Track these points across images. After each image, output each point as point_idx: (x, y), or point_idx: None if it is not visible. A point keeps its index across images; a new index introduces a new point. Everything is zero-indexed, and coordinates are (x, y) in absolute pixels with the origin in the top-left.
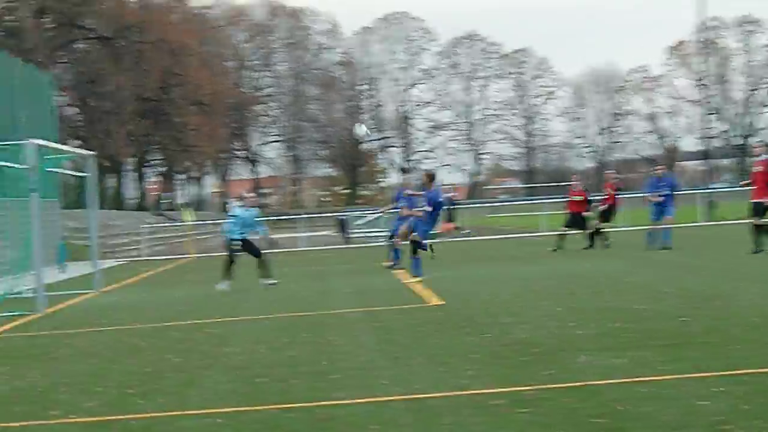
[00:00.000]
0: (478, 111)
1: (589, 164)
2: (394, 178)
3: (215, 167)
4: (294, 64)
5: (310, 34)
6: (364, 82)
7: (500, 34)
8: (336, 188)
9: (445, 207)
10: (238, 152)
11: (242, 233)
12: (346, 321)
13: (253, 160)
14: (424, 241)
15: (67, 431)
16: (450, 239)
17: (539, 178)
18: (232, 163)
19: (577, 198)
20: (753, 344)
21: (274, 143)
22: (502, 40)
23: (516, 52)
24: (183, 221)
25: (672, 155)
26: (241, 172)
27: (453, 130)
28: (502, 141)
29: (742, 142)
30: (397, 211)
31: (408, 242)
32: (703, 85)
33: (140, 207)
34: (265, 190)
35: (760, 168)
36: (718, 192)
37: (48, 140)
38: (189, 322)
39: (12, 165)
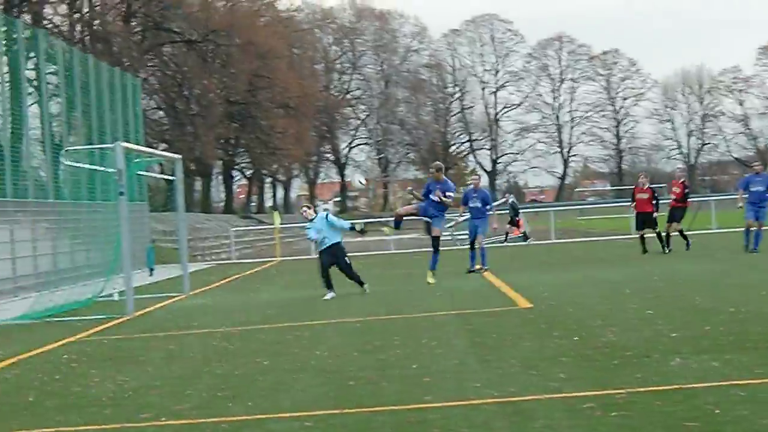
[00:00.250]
0: (567, 113)
1: (678, 166)
2: (482, 182)
3: (303, 170)
4: (382, 67)
5: (397, 36)
6: (452, 84)
7: (589, 36)
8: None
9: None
10: (326, 155)
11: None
12: (437, 323)
13: (341, 163)
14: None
15: None
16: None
17: (627, 181)
18: (320, 166)
19: (644, 195)
20: None
21: (362, 146)
22: (591, 41)
23: (605, 53)
24: (273, 224)
25: (764, 157)
26: (329, 175)
27: (541, 132)
28: (590, 143)
29: None
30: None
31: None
32: None
33: (228, 210)
34: (353, 193)
35: None
36: None
37: (135, 144)
38: (278, 325)
39: (101, 168)
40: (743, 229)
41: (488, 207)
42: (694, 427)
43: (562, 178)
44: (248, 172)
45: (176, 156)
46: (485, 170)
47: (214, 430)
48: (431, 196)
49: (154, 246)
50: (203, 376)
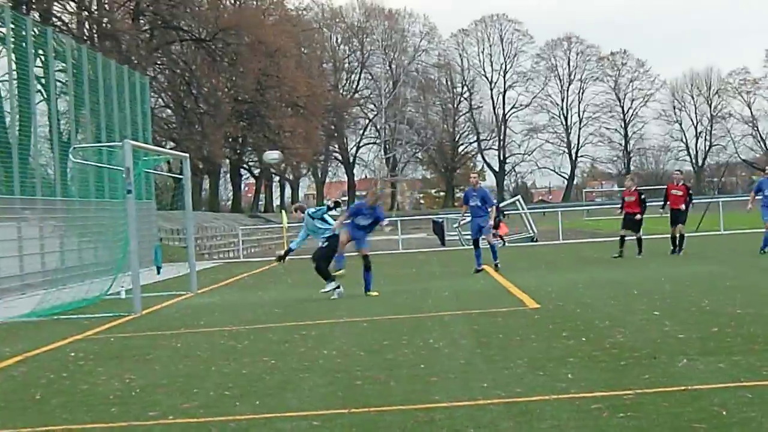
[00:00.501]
0: (575, 113)
1: (686, 167)
2: (490, 181)
3: (311, 169)
4: (391, 66)
5: (406, 35)
6: (461, 84)
7: (598, 37)
8: (432, 191)
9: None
10: (334, 154)
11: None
12: (444, 323)
13: (349, 162)
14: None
15: None
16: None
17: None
18: (328, 165)
19: (631, 198)
20: None
21: (370, 145)
22: (600, 42)
23: (614, 54)
24: (280, 223)
25: None
26: (337, 174)
27: (549, 132)
28: (598, 144)
29: None
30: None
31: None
32: None
33: (235, 209)
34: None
35: None
36: None
37: (143, 142)
38: (285, 324)
39: (108, 166)
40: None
41: (491, 204)
42: (701, 428)
43: (570, 178)
44: (256, 171)
45: (184, 154)
46: (493, 170)
47: (221, 429)
48: (361, 220)
49: (161, 244)
50: (210, 374)
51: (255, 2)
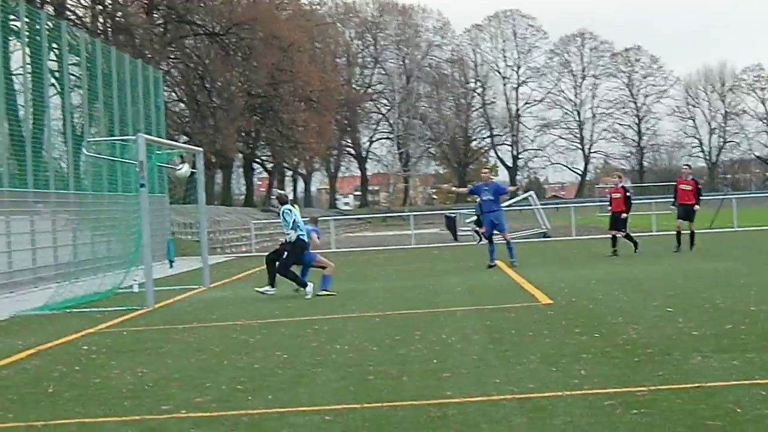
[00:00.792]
0: (589, 109)
1: (699, 164)
2: (502, 177)
3: (324, 164)
4: (404, 61)
5: (420, 31)
6: (474, 79)
7: (611, 32)
8: (445, 186)
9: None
10: (347, 149)
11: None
12: (457, 319)
13: (362, 157)
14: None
15: (180, 426)
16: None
17: (649, 178)
18: (341, 159)
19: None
20: None
21: (383, 140)
22: (614, 38)
23: (627, 50)
24: None
25: None
26: (350, 168)
27: (563, 128)
28: (611, 140)
29: None
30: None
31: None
32: None
33: (248, 203)
34: (374, 187)
35: None
36: None
37: (156, 136)
38: (298, 318)
39: (122, 160)
40: None
41: (504, 191)
42: (715, 425)
43: (583, 174)
44: (269, 165)
45: (197, 148)
46: (506, 166)
47: (234, 423)
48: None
49: (174, 238)
50: (223, 368)
51: None
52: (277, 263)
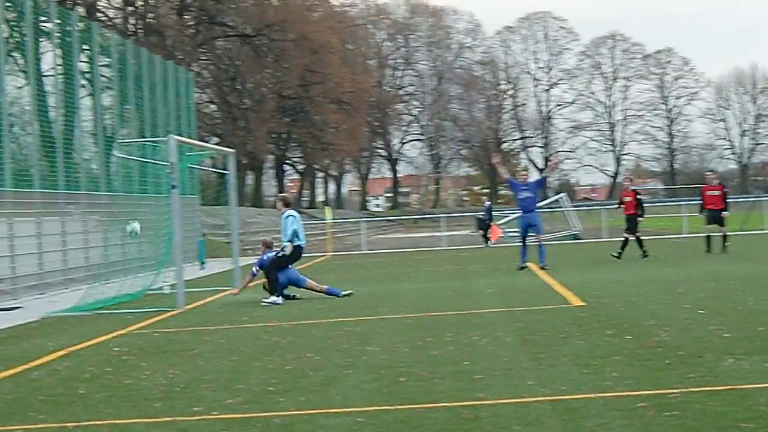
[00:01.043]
0: (620, 111)
1: (731, 166)
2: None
3: (355, 165)
4: (435, 63)
5: (451, 32)
6: (505, 81)
7: (643, 34)
8: (476, 187)
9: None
10: (378, 151)
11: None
12: (489, 320)
13: (393, 159)
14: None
15: (211, 427)
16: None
17: (680, 180)
18: (372, 161)
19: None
20: None
21: (414, 142)
22: (645, 40)
23: (659, 52)
24: (324, 219)
25: None
26: (381, 170)
27: (594, 130)
28: (643, 142)
29: None
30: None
31: None
32: None
33: None
34: (405, 189)
35: None
36: None
37: (187, 137)
38: (329, 320)
39: (153, 161)
40: None
41: (543, 181)
42: (747, 428)
43: (614, 176)
44: (300, 167)
45: (228, 150)
46: (537, 167)
47: (265, 425)
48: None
49: (205, 239)
50: (254, 370)
51: None
52: (270, 263)
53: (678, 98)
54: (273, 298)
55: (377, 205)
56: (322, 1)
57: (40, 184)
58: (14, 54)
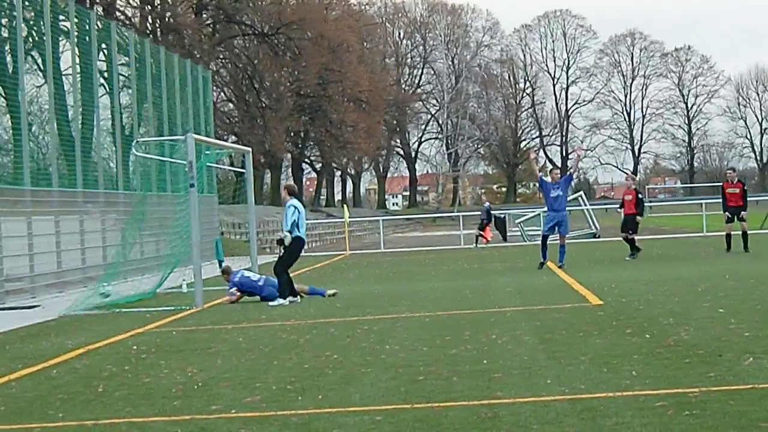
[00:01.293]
0: (638, 110)
1: (750, 164)
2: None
3: (373, 164)
4: (453, 62)
5: (469, 31)
6: (523, 79)
7: (662, 32)
8: (494, 186)
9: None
10: (396, 149)
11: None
12: (507, 319)
13: (411, 157)
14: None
15: (229, 425)
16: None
17: (699, 178)
18: (390, 160)
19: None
20: None
21: (432, 140)
22: (664, 37)
23: (677, 50)
24: (342, 218)
25: None
26: (399, 169)
27: (612, 128)
28: (662, 140)
29: None
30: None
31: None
32: None
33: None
34: (423, 188)
35: None
36: None
37: (205, 136)
38: (347, 318)
39: (171, 160)
40: None
41: (571, 177)
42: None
43: (633, 175)
44: (318, 166)
45: (246, 148)
46: (555, 166)
47: (283, 423)
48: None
49: (222, 238)
50: (272, 368)
51: None
52: (276, 262)
53: (697, 96)
54: (280, 300)
55: (395, 204)
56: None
57: (58, 183)
58: (33, 53)
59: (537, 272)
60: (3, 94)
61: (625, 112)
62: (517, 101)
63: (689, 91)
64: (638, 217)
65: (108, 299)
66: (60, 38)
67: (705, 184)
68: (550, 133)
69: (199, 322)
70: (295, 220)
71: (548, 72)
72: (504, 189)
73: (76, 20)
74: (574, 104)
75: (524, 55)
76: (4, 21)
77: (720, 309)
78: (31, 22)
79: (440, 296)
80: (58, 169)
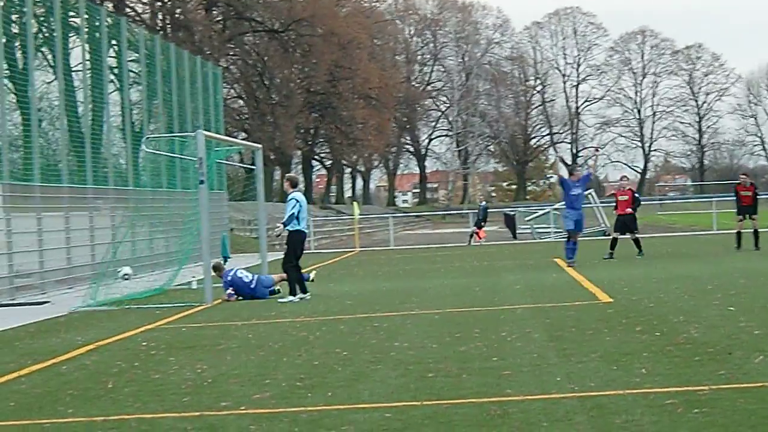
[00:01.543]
0: (649, 107)
1: (761, 162)
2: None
3: (382, 161)
4: (463, 59)
5: (479, 28)
6: (533, 77)
7: (672, 30)
8: (504, 183)
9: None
10: (406, 146)
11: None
12: (517, 317)
13: (421, 155)
14: None
15: (239, 422)
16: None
17: (709, 176)
18: (399, 157)
19: (624, 197)
20: None
21: (442, 137)
22: (674, 35)
23: (688, 47)
24: (352, 215)
25: None
26: (408, 166)
27: (623, 126)
28: (672, 138)
29: None
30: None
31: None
32: None
33: (307, 200)
34: (433, 185)
35: None
36: None
37: (215, 132)
38: (357, 315)
39: (181, 156)
40: None
41: (590, 176)
42: None
43: (643, 172)
44: (328, 162)
45: (256, 145)
46: (565, 163)
47: (293, 420)
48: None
49: (228, 235)
50: (282, 365)
51: None
52: (283, 261)
53: (708, 94)
54: (290, 297)
55: (405, 201)
56: None
57: (68, 179)
58: (43, 49)
59: (547, 270)
60: (13, 91)
61: (635, 110)
62: (528, 99)
63: (700, 88)
64: (635, 215)
65: (127, 280)
66: (70, 34)
67: (715, 182)
68: (561, 131)
69: (208, 318)
70: (294, 213)
71: (558, 69)
72: (514, 186)
73: (86, 16)
74: (585, 102)
75: (534, 53)
76: (14, 17)
77: (730, 307)
78: (42, 19)
79: (450, 293)
80: (67, 165)
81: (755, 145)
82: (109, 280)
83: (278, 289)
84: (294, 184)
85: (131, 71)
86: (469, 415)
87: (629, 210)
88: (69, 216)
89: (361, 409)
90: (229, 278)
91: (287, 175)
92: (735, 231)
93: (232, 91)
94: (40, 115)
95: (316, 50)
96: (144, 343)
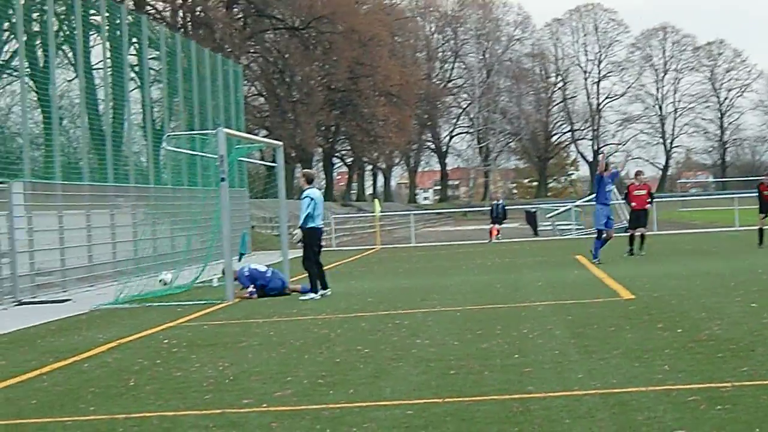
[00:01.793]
0: (670, 104)
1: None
2: (583, 171)
3: (403, 158)
4: (484, 56)
5: (500, 25)
6: (554, 73)
7: (694, 26)
8: (525, 180)
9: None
10: (427, 143)
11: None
12: (539, 313)
13: (442, 152)
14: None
15: (260, 419)
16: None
17: (731, 173)
18: (420, 154)
19: (641, 192)
20: None
21: (463, 134)
22: (696, 31)
23: (710, 44)
24: (373, 212)
25: None
26: (429, 163)
27: (644, 123)
28: (693, 134)
29: None
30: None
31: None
32: None
33: (328, 197)
34: (454, 182)
35: None
36: None
37: (236, 130)
38: (378, 312)
39: (202, 154)
40: None
41: (617, 173)
42: None
43: (665, 169)
44: (348, 160)
45: (277, 143)
46: (586, 160)
47: (315, 417)
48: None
49: (248, 232)
50: (304, 362)
51: None
52: (302, 259)
53: (729, 90)
54: (311, 294)
55: (426, 198)
56: None
57: (89, 177)
58: (64, 47)
59: (568, 266)
60: (34, 89)
61: (656, 106)
62: (549, 95)
63: (721, 84)
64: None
65: (167, 287)
66: (91, 32)
67: (737, 179)
68: (582, 128)
69: (230, 316)
70: (309, 212)
71: (579, 66)
72: (535, 183)
73: (107, 14)
74: (606, 98)
75: (555, 49)
76: (35, 15)
77: (753, 303)
78: (62, 17)
79: (471, 290)
80: (88, 163)
81: None
82: (145, 277)
83: (289, 292)
84: (310, 180)
85: (152, 69)
86: (491, 412)
87: (648, 205)
88: (90, 214)
89: (383, 407)
90: (246, 273)
91: (303, 170)
92: (757, 228)
93: (253, 88)
94: (61, 113)
95: (337, 47)
96: (165, 341)
